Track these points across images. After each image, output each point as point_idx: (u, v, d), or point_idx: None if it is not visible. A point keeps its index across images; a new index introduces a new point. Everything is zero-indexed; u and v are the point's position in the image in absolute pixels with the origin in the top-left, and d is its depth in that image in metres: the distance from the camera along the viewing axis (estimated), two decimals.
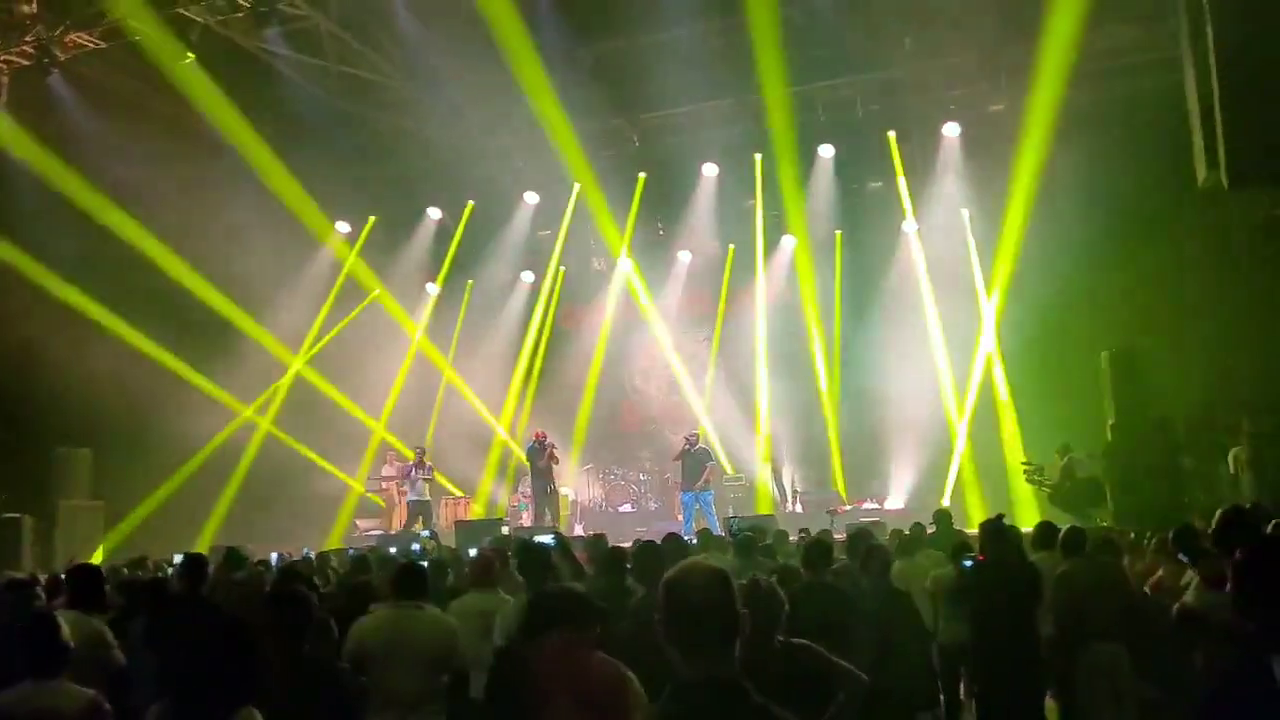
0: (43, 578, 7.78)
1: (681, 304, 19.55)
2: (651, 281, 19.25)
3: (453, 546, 12.53)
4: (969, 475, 16.17)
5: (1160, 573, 6.66)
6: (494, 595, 5.76)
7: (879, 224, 17.94)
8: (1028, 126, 15.00)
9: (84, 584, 5.55)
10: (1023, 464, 14.41)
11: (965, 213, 17.03)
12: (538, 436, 16.54)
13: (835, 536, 9.26)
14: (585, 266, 20.18)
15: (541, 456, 16.22)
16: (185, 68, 14.77)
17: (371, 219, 19.36)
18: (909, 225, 17.51)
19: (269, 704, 3.90)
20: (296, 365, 18.71)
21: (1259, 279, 12.97)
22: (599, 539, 8.68)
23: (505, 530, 14.40)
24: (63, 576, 6.75)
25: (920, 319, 17.11)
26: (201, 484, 17.03)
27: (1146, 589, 6.52)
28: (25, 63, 14.85)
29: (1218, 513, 4.48)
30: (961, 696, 6.76)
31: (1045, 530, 7.54)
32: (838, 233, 18.29)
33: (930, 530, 9.48)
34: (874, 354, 16.89)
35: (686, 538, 11.41)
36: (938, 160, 17.03)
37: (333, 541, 16.37)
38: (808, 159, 17.43)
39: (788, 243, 18.54)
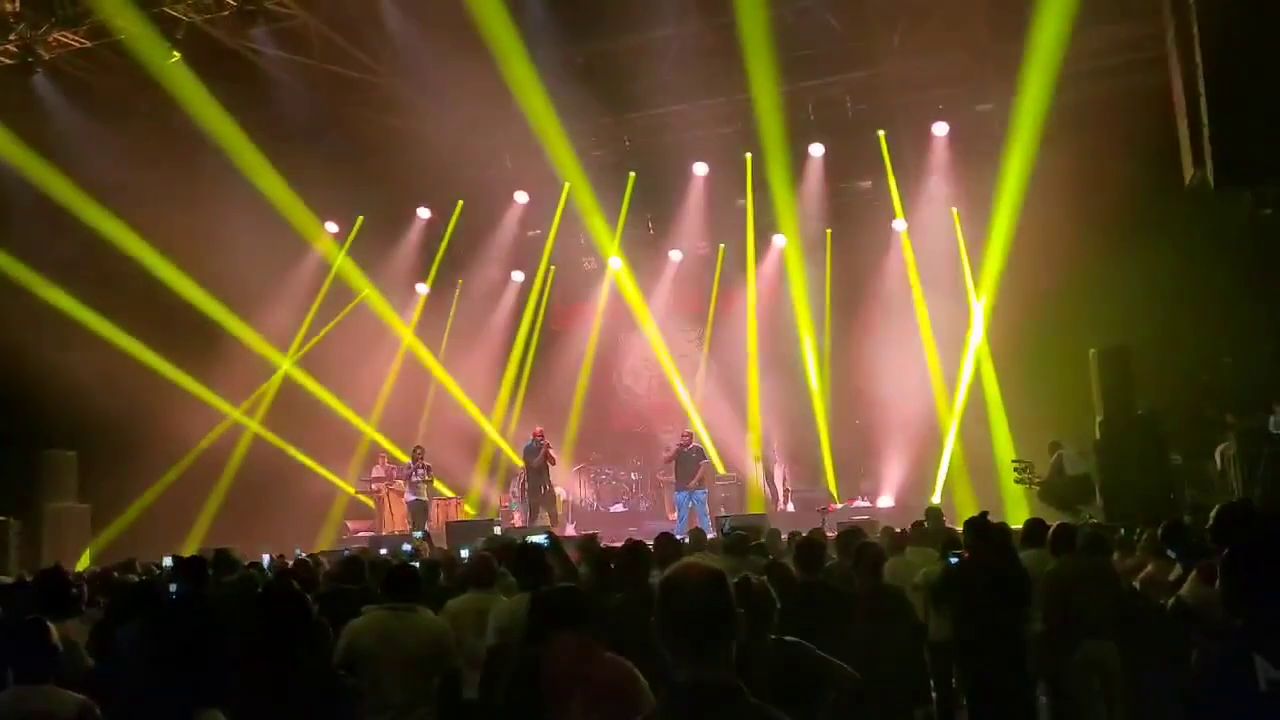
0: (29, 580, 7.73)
1: (672, 303, 19.54)
2: (642, 281, 19.23)
3: (444, 548, 12.50)
4: (959, 473, 16.22)
5: (1149, 569, 6.69)
6: (491, 595, 5.75)
7: (869, 223, 17.98)
8: (1016, 125, 15.05)
9: (50, 588, 5.52)
10: (1012, 461, 14.45)
11: (954, 211, 17.09)
12: (535, 435, 16.52)
13: (827, 535, 9.26)
14: (576, 266, 20.16)
15: (537, 455, 16.20)
16: (171, 67, 14.68)
17: (360, 219, 19.29)
18: (899, 224, 17.55)
19: (262, 706, 3.89)
20: (285, 366, 18.64)
21: (1246, 276, 13.04)
22: (590, 539, 8.66)
23: (498, 530, 14.39)
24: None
25: (910, 317, 17.15)
26: (189, 486, 16.96)
27: (1136, 585, 6.55)
28: (9, 62, 14.75)
29: (1216, 508, 4.50)
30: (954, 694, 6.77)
31: (1034, 527, 7.56)
32: (828, 231, 18.32)
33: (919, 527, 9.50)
34: (864, 352, 16.92)
35: (680, 537, 11.43)
36: (927, 159, 17.06)
37: (323, 543, 16.32)
38: (798, 158, 17.44)
39: (778, 242, 18.56)
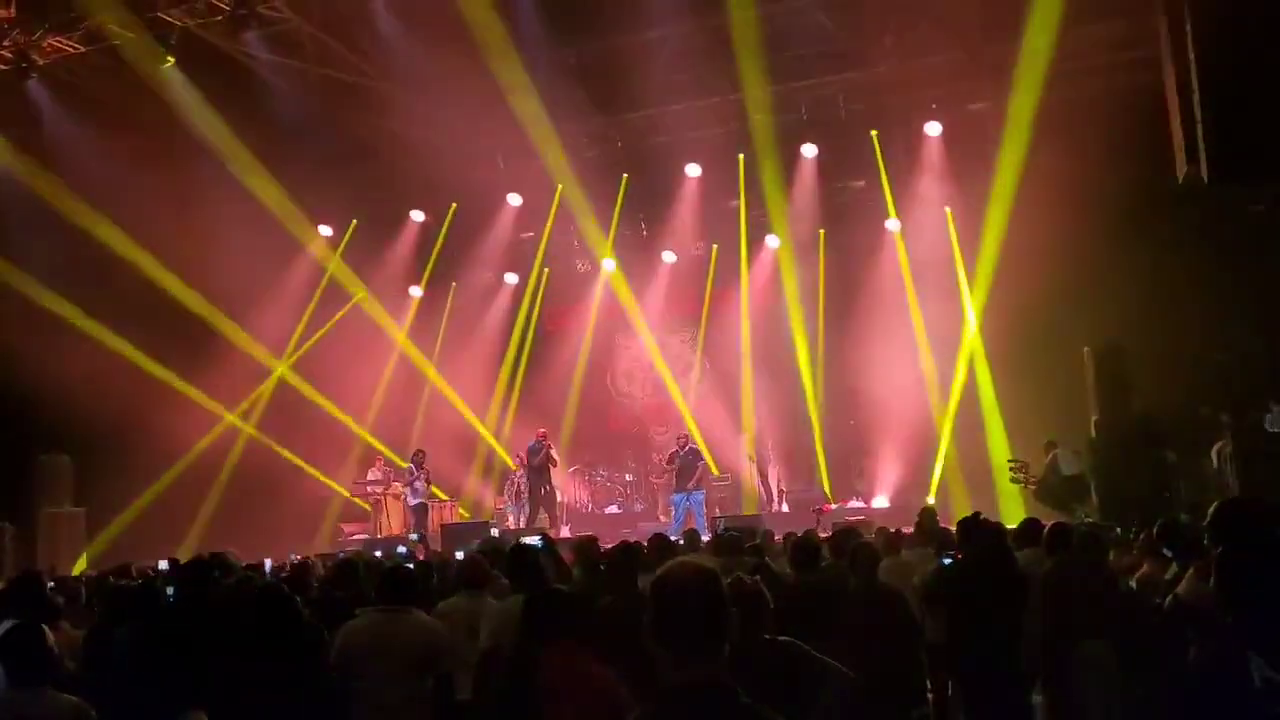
0: None
1: (666, 305, 19.52)
2: (635, 283, 19.22)
3: (437, 550, 12.49)
4: (954, 473, 16.23)
5: (1145, 568, 6.69)
6: (481, 598, 5.73)
7: (862, 223, 17.97)
8: (1009, 125, 15.07)
9: (25, 592, 5.51)
10: (1008, 461, 14.46)
11: (948, 211, 17.10)
12: (539, 436, 16.52)
13: (820, 535, 9.25)
14: (569, 268, 20.15)
15: (539, 455, 16.19)
16: (165, 72, 14.67)
17: (354, 222, 19.28)
18: (892, 224, 17.55)
19: (258, 708, 3.89)
20: (280, 369, 18.63)
21: (1240, 273, 13.06)
22: (587, 541, 8.56)
23: (495, 532, 14.38)
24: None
25: (904, 317, 17.14)
26: (184, 490, 16.95)
27: (1132, 584, 6.55)
28: (3, 67, 14.74)
29: (1213, 505, 4.49)
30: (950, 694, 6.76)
31: (1030, 527, 7.56)
32: (821, 232, 18.32)
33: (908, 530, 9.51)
34: (858, 352, 16.91)
35: (674, 538, 11.42)
36: (920, 159, 17.07)
37: (318, 546, 16.29)
38: (791, 158, 17.46)
39: (771, 242, 18.56)
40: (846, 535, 6.98)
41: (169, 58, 14.57)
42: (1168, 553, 6.21)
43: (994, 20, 14.83)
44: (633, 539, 8.83)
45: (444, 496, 18.17)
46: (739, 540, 7.80)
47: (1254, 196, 10.47)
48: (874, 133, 17.20)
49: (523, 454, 17.28)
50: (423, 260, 19.87)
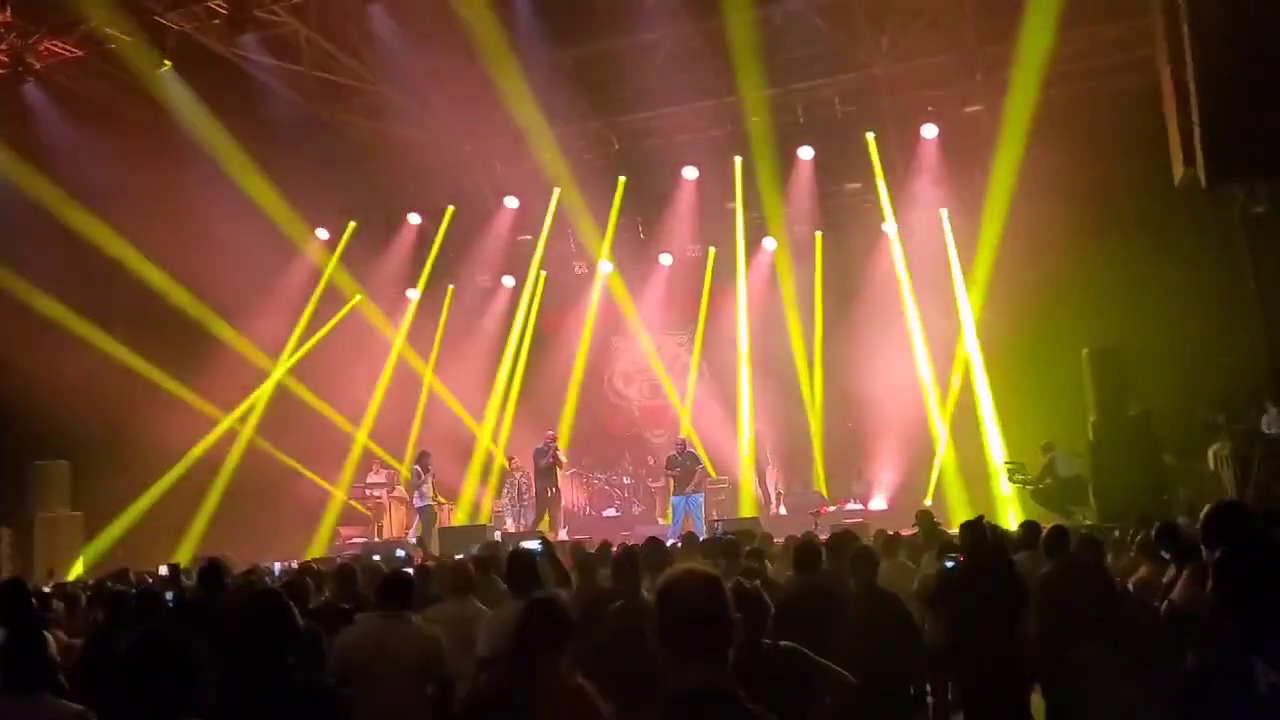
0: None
1: (663, 307, 19.52)
2: (632, 285, 19.23)
3: (435, 554, 12.47)
4: (951, 475, 16.22)
5: (1143, 570, 6.69)
6: (469, 603, 5.69)
7: (859, 225, 18.00)
8: (1005, 126, 15.09)
9: (8, 600, 5.48)
10: (1005, 463, 14.47)
11: (944, 212, 17.11)
12: (546, 438, 16.53)
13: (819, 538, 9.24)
14: (566, 270, 20.14)
15: (545, 457, 16.20)
16: (161, 75, 14.65)
17: (351, 225, 19.26)
18: (889, 226, 17.56)
19: (256, 715, 3.87)
20: (277, 373, 18.60)
21: (1237, 275, 13.07)
22: (599, 548, 8.47)
23: (498, 536, 14.36)
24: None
25: (901, 319, 17.16)
26: (182, 494, 16.91)
27: (1129, 586, 6.54)
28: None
29: (1206, 507, 4.48)
30: (950, 697, 6.76)
31: (1029, 529, 7.56)
32: (818, 234, 18.33)
33: (913, 531, 9.51)
34: (855, 354, 16.91)
35: (673, 541, 11.42)
36: (916, 161, 17.09)
37: (315, 550, 16.27)
38: (787, 160, 17.46)
39: (768, 244, 18.57)
40: (845, 539, 6.97)
41: (165, 61, 14.54)
42: (1166, 555, 6.20)
43: (990, 22, 14.86)
44: (631, 542, 8.82)
45: (441, 500, 18.17)
46: (736, 544, 7.79)
47: (1253, 198, 10.48)
48: (870, 135, 17.22)
49: (517, 456, 17.27)
50: (420, 263, 19.86)
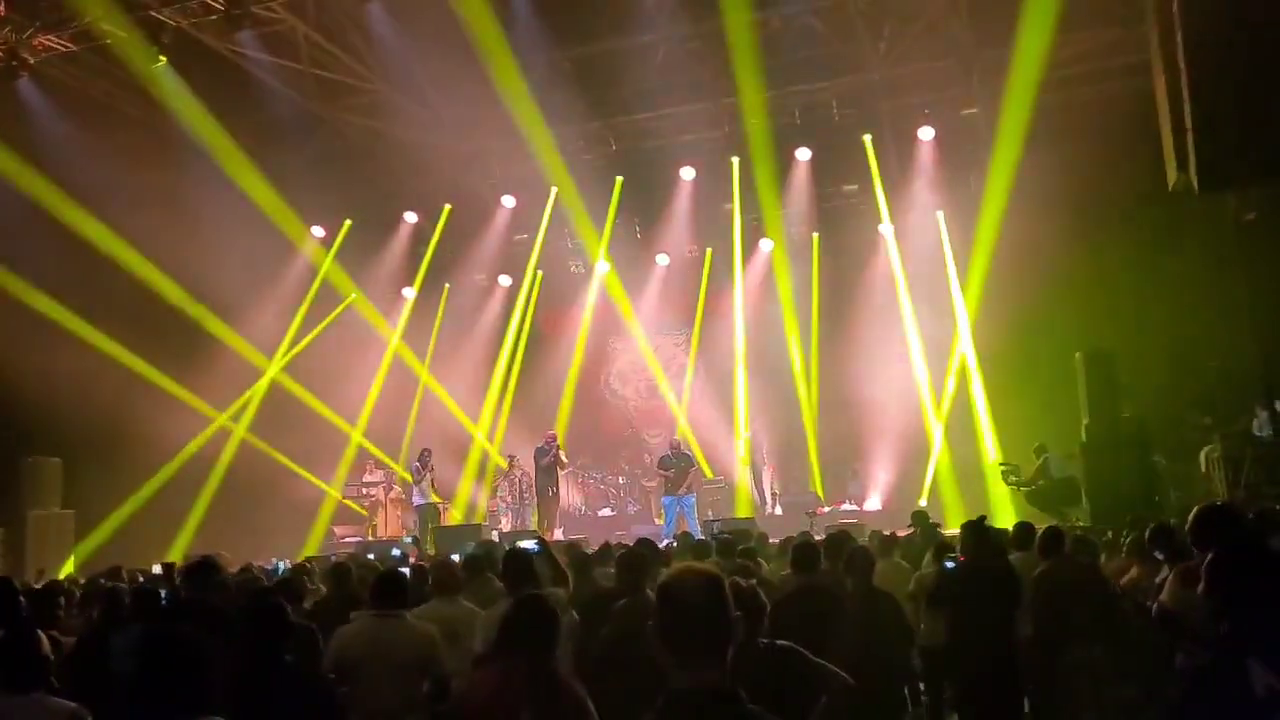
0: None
1: (660, 307, 19.55)
2: (629, 285, 19.24)
3: (431, 553, 12.47)
4: (946, 476, 16.27)
5: (1134, 571, 6.72)
6: (456, 603, 5.67)
7: (855, 227, 18.05)
8: (1001, 130, 15.13)
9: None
10: (999, 464, 14.50)
11: (940, 215, 17.16)
12: (547, 438, 16.55)
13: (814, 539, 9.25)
14: (563, 270, 20.15)
15: (547, 456, 16.22)
16: (157, 71, 14.61)
17: (347, 223, 19.23)
18: (885, 228, 17.61)
19: (253, 713, 3.87)
20: (272, 371, 18.57)
21: (1230, 280, 13.13)
22: (600, 548, 8.46)
23: (494, 535, 14.36)
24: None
25: (896, 321, 17.21)
26: (175, 492, 16.85)
27: (1119, 587, 6.58)
28: None
29: (1193, 510, 4.50)
30: (944, 698, 6.78)
31: (1023, 530, 7.59)
32: (814, 235, 18.37)
33: (909, 532, 9.54)
34: (851, 356, 16.97)
35: (667, 541, 11.45)
36: (913, 163, 17.13)
37: (309, 549, 16.24)
38: (784, 162, 17.49)
39: (765, 246, 18.60)
40: (841, 539, 6.99)
41: (161, 57, 14.50)
42: (1160, 556, 6.23)
43: (986, 27, 14.88)
44: (626, 542, 8.84)
45: (437, 499, 18.16)
46: (734, 543, 7.81)
47: (1245, 204, 10.53)
48: (867, 137, 17.25)
49: (517, 455, 17.27)
50: (416, 262, 19.85)
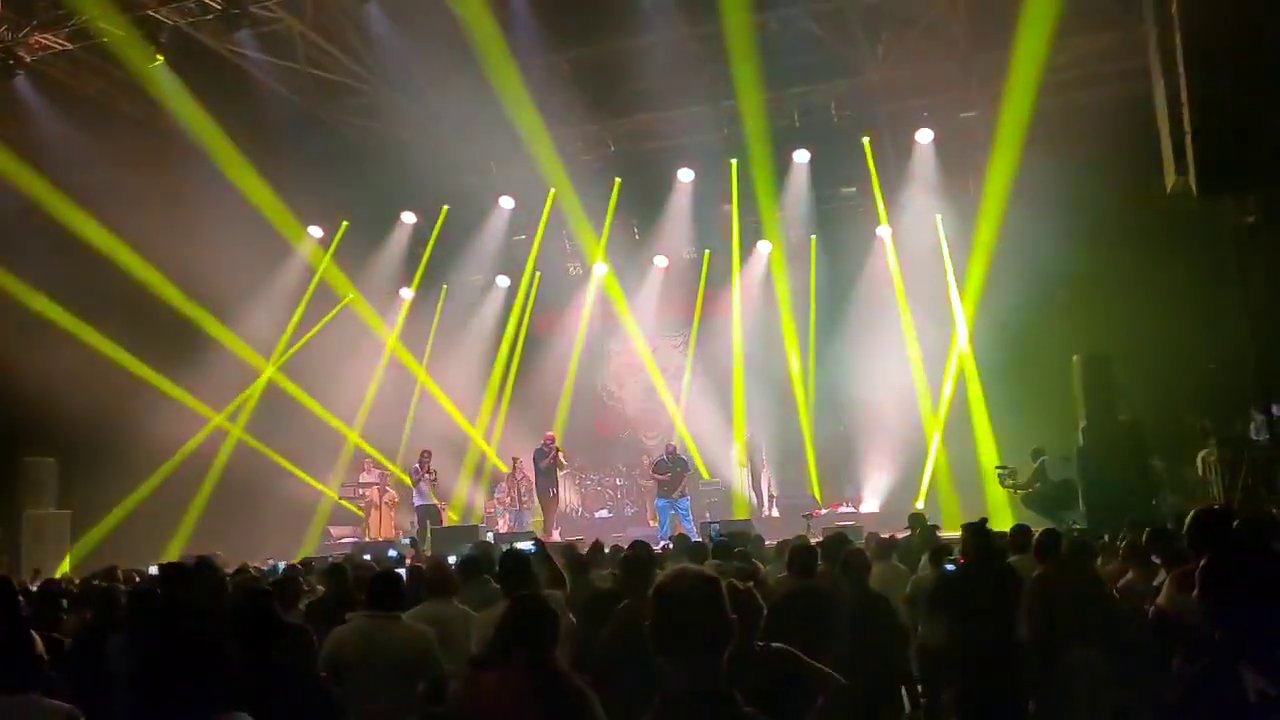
0: None
1: (657, 309, 19.54)
2: (627, 286, 19.24)
3: (427, 554, 12.45)
4: (943, 479, 16.28)
5: (1130, 575, 6.72)
6: (449, 605, 5.65)
7: (853, 229, 18.05)
8: (999, 133, 15.14)
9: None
10: (996, 467, 14.51)
11: (938, 218, 17.17)
12: (546, 440, 16.53)
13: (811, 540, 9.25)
14: (561, 271, 20.14)
15: (546, 458, 16.20)
16: (154, 70, 14.60)
17: (344, 223, 19.22)
18: (883, 230, 17.62)
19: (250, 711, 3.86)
20: (269, 371, 18.54)
21: (1228, 283, 13.13)
22: (591, 548, 8.50)
23: (489, 536, 14.35)
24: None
25: (894, 323, 17.21)
26: (171, 492, 16.81)
27: (1115, 591, 6.57)
28: None
29: (1190, 514, 4.50)
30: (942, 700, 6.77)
31: (1020, 533, 7.59)
32: (813, 238, 18.38)
33: (906, 534, 9.54)
34: (849, 358, 16.98)
35: (663, 543, 11.45)
36: (911, 166, 17.14)
37: (306, 549, 16.22)
38: (783, 164, 17.50)
39: (763, 248, 18.60)
40: (837, 541, 6.99)
41: (158, 56, 14.48)
42: (1157, 560, 6.24)
43: (985, 30, 14.90)
44: (623, 543, 8.83)
45: (436, 500, 18.15)
46: (730, 545, 7.80)
47: (1243, 208, 10.54)
48: (866, 139, 17.26)
49: (519, 458, 17.24)
50: (414, 262, 19.84)
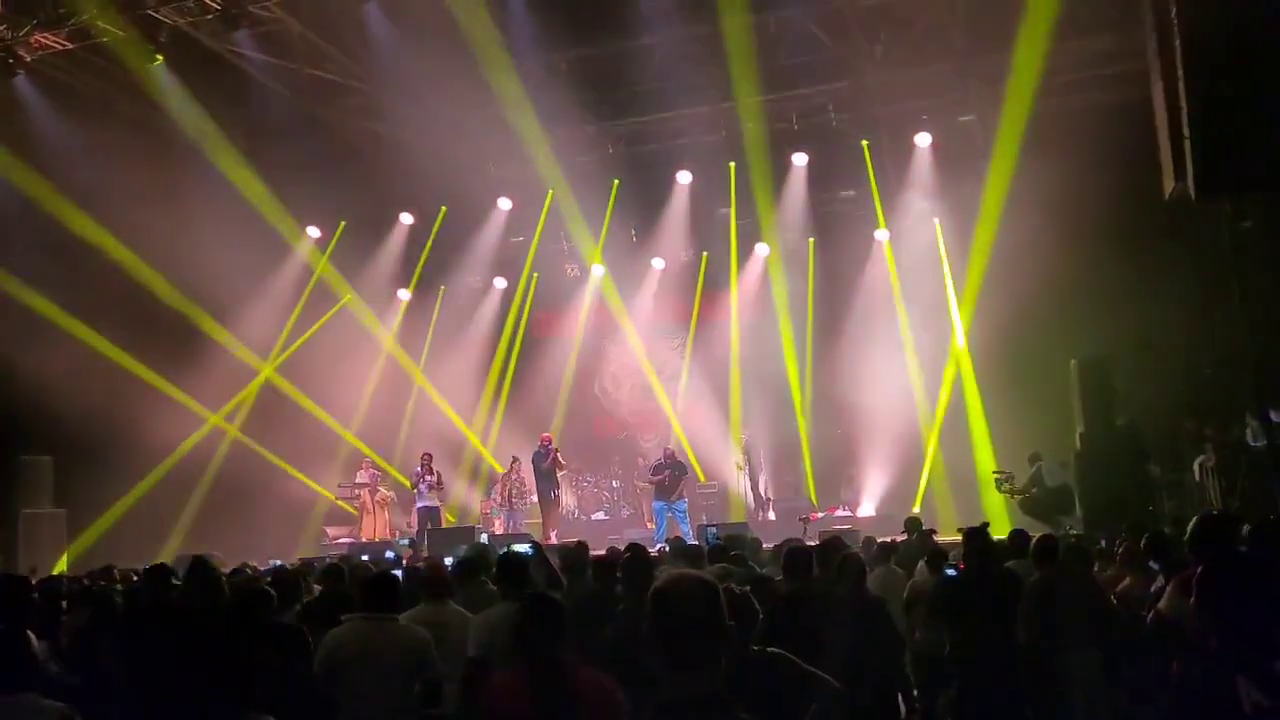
0: None
1: (655, 311, 19.53)
2: (625, 288, 19.23)
3: (424, 555, 12.43)
4: (940, 483, 16.27)
5: (1128, 581, 6.72)
6: (446, 607, 5.65)
7: (851, 232, 18.03)
8: (998, 137, 15.15)
9: (10, 595, 5.43)
10: (993, 472, 14.50)
11: (936, 221, 17.16)
12: (543, 441, 16.50)
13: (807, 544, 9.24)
14: (558, 273, 20.12)
15: (546, 460, 16.18)
16: (153, 70, 14.60)
17: (342, 224, 19.19)
18: (881, 234, 17.61)
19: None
20: (265, 371, 18.53)
21: (1226, 288, 13.14)
22: (575, 549, 8.52)
23: (484, 538, 14.33)
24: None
25: (892, 327, 17.20)
26: (168, 492, 16.80)
27: (1113, 596, 6.57)
28: None
29: (1193, 519, 4.49)
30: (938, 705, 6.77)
31: (1018, 538, 7.59)
32: (810, 240, 18.38)
33: (903, 538, 9.53)
34: (846, 361, 16.97)
35: (659, 546, 11.44)
36: (909, 169, 17.14)
37: (302, 550, 16.20)
38: (781, 167, 17.49)
39: (761, 250, 18.60)
40: (834, 545, 6.98)
41: (158, 56, 14.48)
42: (1155, 566, 6.23)
43: (984, 33, 14.90)
44: (620, 545, 8.82)
45: (436, 502, 18.09)
46: (726, 549, 7.79)
47: (1241, 212, 10.55)
48: (864, 142, 17.25)
49: (518, 458, 17.21)
50: (411, 263, 19.81)
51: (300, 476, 17.97)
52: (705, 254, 19.15)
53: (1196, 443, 12.90)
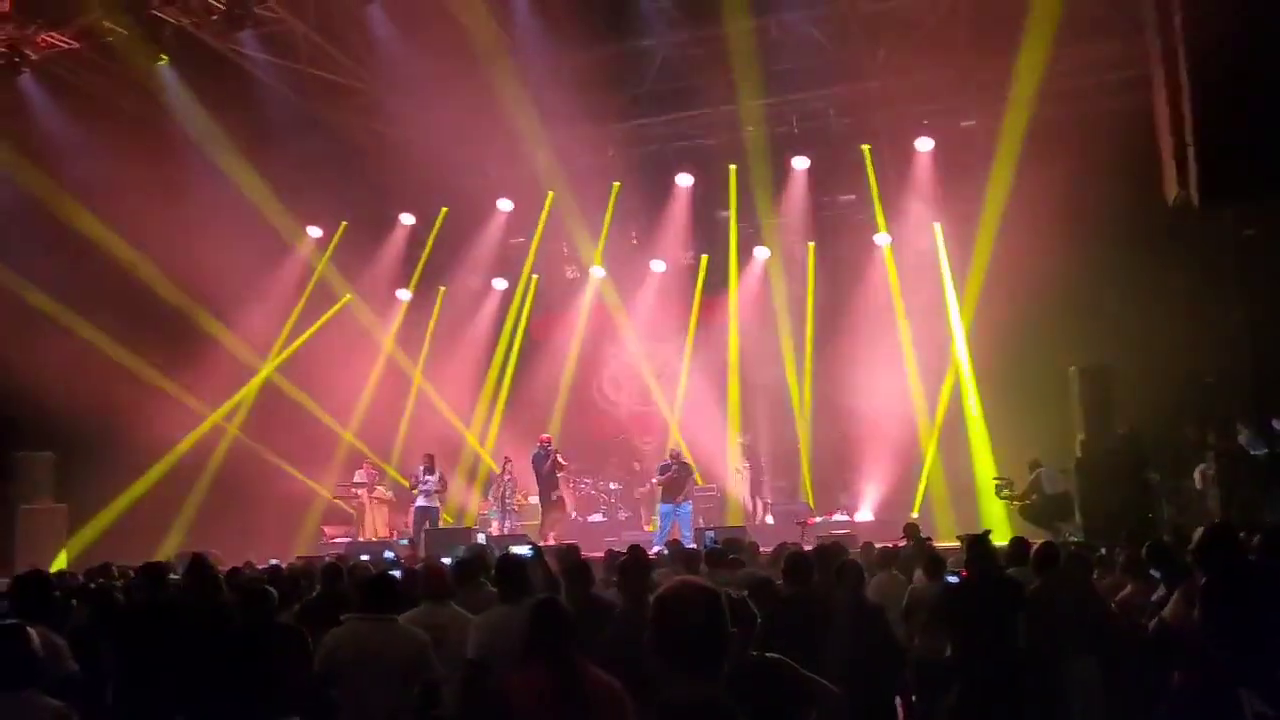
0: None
1: (654, 314, 19.50)
2: (624, 290, 19.22)
3: (423, 555, 12.42)
4: (938, 489, 16.26)
5: (1128, 589, 6.72)
6: (445, 608, 5.65)
7: (852, 236, 18.03)
8: (1000, 142, 15.15)
9: (31, 592, 5.43)
10: (993, 479, 14.50)
11: (937, 226, 17.16)
12: (542, 442, 16.49)
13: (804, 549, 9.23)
14: (558, 275, 20.11)
15: (546, 462, 16.17)
16: (158, 69, 14.63)
17: (343, 224, 19.20)
18: (881, 238, 17.60)
19: (243, 713, 3.86)
20: (265, 370, 18.54)
21: (1227, 296, 13.16)
22: (566, 552, 8.53)
23: (482, 538, 14.31)
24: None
25: (892, 332, 17.17)
26: (167, 489, 16.82)
27: (1113, 605, 6.57)
28: None
29: (1200, 530, 4.48)
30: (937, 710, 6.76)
31: (1018, 545, 7.58)
32: (811, 245, 18.37)
33: (903, 543, 9.52)
34: (845, 366, 16.94)
35: (659, 548, 11.43)
36: (910, 174, 17.13)
37: (299, 549, 16.19)
38: (781, 170, 17.49)
39: (761, 254, 18.59)
40: (832, 550, 6.99)
41: (163, 55, 14.51)
42: (1155, 574, 6.23)
43: (986, 38, 14.90)
44: (617, 548, 8.82)
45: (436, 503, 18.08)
46: (725, 554, 7.79)
47: (1244, 220, 10.55)
48: (865, 147, 17.25)
49: (513, 459, 17.19)
50: (411, 264, 19.80)
51: (298, 475, 17.97)
52: (705, 257, 19.13)
53: (1198, 450, 12.89)
